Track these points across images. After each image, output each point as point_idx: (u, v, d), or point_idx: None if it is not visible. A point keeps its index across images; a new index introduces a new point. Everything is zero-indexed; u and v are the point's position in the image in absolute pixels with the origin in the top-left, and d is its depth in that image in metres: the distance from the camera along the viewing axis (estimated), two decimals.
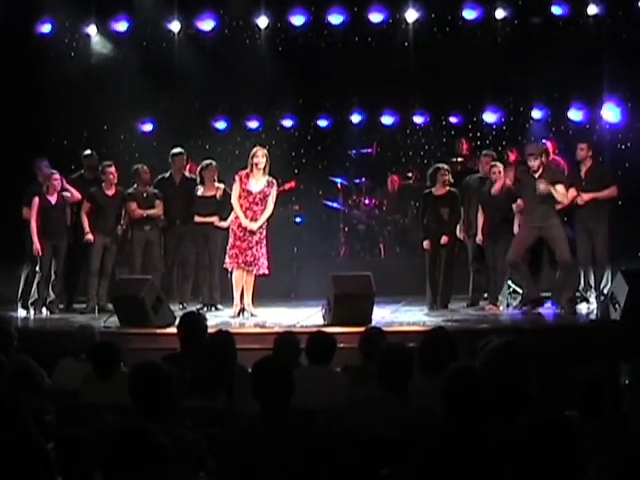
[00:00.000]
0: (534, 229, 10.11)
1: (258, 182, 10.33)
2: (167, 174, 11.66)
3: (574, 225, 10.60)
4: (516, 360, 4.59)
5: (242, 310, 10.37)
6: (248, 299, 10.36)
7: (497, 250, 10.53)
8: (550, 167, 10.36)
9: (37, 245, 10.99)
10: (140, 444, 3.48)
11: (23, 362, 6.84)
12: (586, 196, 10.40)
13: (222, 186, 11.06)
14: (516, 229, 10.39)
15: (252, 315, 10.29)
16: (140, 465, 3.43)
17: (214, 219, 11.04)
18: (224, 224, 10.81)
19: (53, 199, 11.18)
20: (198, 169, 11.27)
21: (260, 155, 10.32)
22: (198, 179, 11.22)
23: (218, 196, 11.01)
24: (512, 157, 11.83)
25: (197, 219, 11.22)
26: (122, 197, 11.38)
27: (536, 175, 10.06)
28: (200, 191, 11.17)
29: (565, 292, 10.18)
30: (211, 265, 11.16)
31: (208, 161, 11.24)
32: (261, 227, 10.32)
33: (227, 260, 10.36)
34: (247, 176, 10.32)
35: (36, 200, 11.07)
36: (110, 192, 11.36)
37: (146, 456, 3.45)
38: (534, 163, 10.07)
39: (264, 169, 10.32)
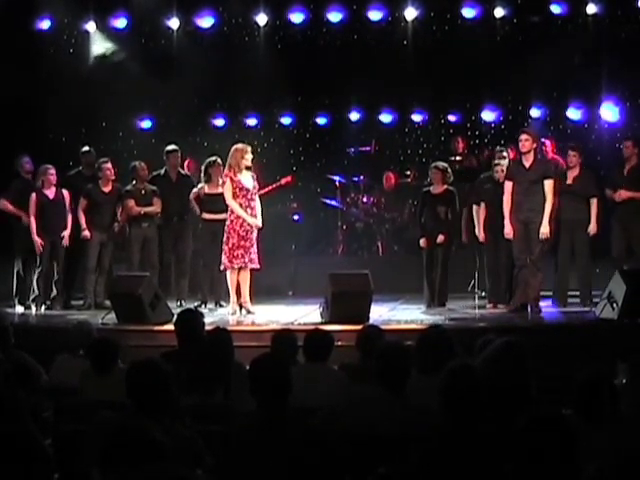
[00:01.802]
0: (522, 224, 9.85)
1: (247, 179, 10.30)
2: (162, 171, 11.64)
3: (611, 222, 10.57)
4: (519, 359, 4.58)
5: (239, 307, 10.35)
6: (245, 296, 10.34)
7: (498, 248, 10.49)
8: (542, 160, 10.24)
9: (37, 241, 10.97)
10: (138, 441, 3.47)
11: (20, 359, 6.82)
12: (624, 193, 10.44)
13: None
14: (508, 229, 10.02)
15: (249, 312, 10.26)
16: (138, 462, 3.42)
17: (224, 216, 10.59)
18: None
19: (50, 193, 11.15)
20: (203, 166, 11.16)
21: (250, 152, 10.31)
22: (203, 176, 11.14)
23: None
24: (512, 155, 11.80)
25: (207, 216, 11.12)
26: (119, 194, 11.37)
27: (525, 160, 9.87)
28: (206, 188, 11.10)
29: (530, 291, 9.95)
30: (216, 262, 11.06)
31: (213, 158, 11.12)
32: None
33: (232, 261, 10.20)
34: (235, 174, 10.25)
35: (33, 196, 11.05)
36: (106, 189, 11.35)
37: (144, 453, 3.44)
38: (525, 143, 9.75)
39: None
